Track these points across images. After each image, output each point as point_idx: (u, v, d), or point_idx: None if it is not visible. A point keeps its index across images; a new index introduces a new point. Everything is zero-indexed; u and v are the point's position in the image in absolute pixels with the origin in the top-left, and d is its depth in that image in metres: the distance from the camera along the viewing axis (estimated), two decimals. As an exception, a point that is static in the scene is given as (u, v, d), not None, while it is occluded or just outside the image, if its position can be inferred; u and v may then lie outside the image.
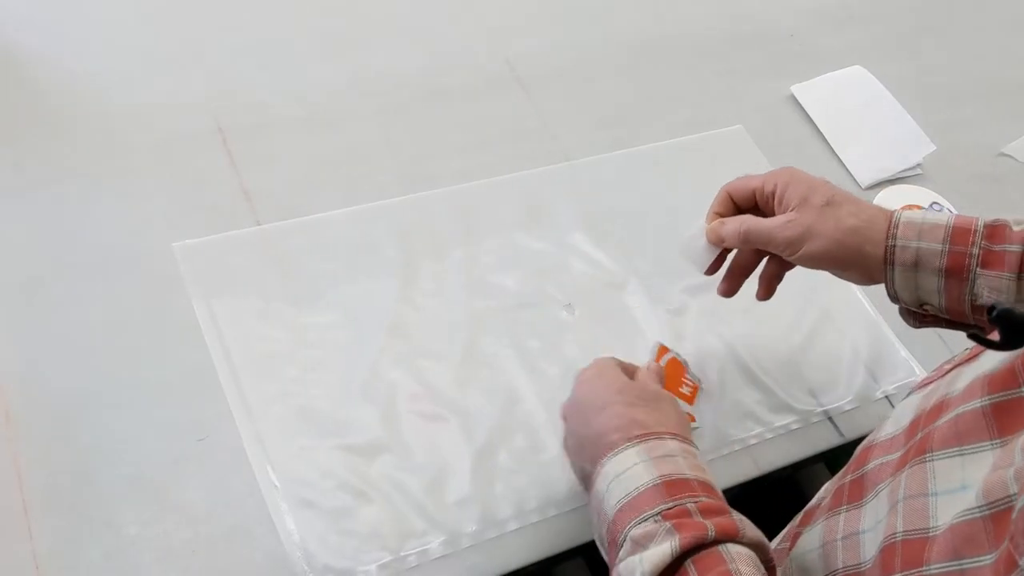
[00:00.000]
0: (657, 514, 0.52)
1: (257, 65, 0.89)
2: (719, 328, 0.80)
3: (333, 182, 0.81)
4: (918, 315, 0.67)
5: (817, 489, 0.70)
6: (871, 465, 0.54)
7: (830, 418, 0.77)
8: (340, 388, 0.69)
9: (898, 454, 0.52)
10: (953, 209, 0.95)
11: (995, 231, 0.62)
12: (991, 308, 0.46)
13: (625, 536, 0.52)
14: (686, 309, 0.80)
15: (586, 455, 0.59)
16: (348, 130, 0.86)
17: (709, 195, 0.88)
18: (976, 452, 0.45)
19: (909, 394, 0.58)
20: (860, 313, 0.84)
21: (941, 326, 0.67)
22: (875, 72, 1.05)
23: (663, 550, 0.50)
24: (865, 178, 0.96)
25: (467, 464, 0.67)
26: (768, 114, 1.00)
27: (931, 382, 0.56)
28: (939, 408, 0.51)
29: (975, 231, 0.62)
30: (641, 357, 0.75)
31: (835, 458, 0.85)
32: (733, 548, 0.51)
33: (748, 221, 0.66)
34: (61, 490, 0.61)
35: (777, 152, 0.96)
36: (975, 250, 0.61)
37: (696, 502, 0.52)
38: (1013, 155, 1.03)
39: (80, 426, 0.64)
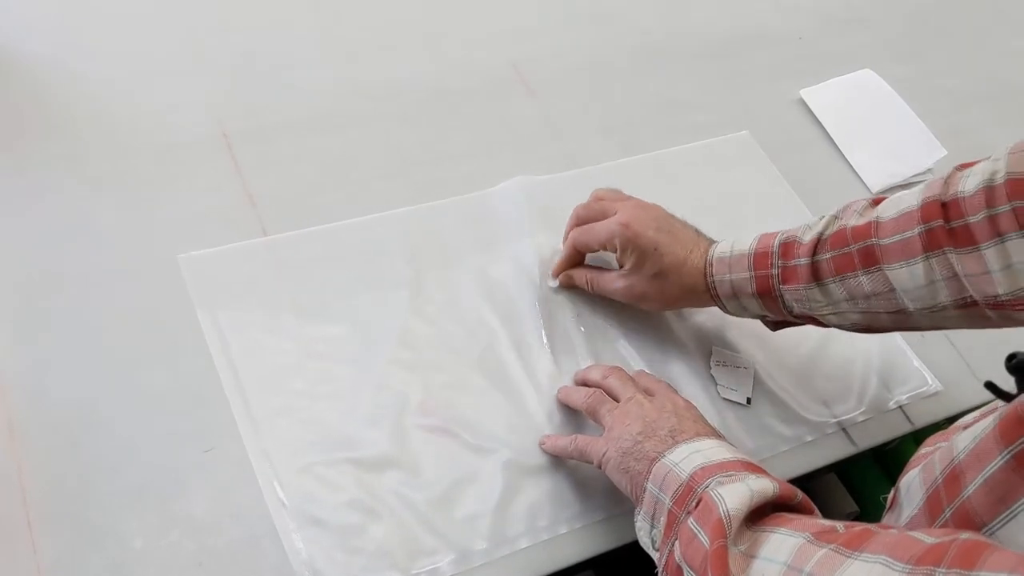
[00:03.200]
0: (746, 474, 0.55)
1: (262, 70, 0.88)
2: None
3: (339, 187, 0.81)
4: (768, 322, 0.74)
5: (829, 498, 0.70)
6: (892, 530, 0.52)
7: (843, 429, 0.76)
8: (348, 401, 0.68)
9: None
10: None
11: (787, 248, 0.68)
12: (1011, 357, 0.48)
13: (708, 484, 0.55)
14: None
15: (643, 449, 0.61)
16: (354, 135, 0.85)
17: (717, 202, 0.88)
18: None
19: (905, 473, 0.60)
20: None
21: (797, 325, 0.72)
22: (884, 75, 1.05)
23: (765, 483, 0.54)
24: (875, 183, 0.96)
25: (477, 479, 0.66)
26: (776, 118, 1.00)
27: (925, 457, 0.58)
28: (955, 477, 0.51)
29: (771, 253, 0.68)
30: (643, 366, 0.75)
31: (846, 468, 0.85)
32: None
33: (592, 277, 0.76)
34: (65, 502, 0.61)
35: (785, 157, 0.95)
36: (774, 271, 0.68)
37: (777, 481, 0.56)
38: None
39: (84, 438, 0.63)
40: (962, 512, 0.50)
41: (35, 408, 0.64)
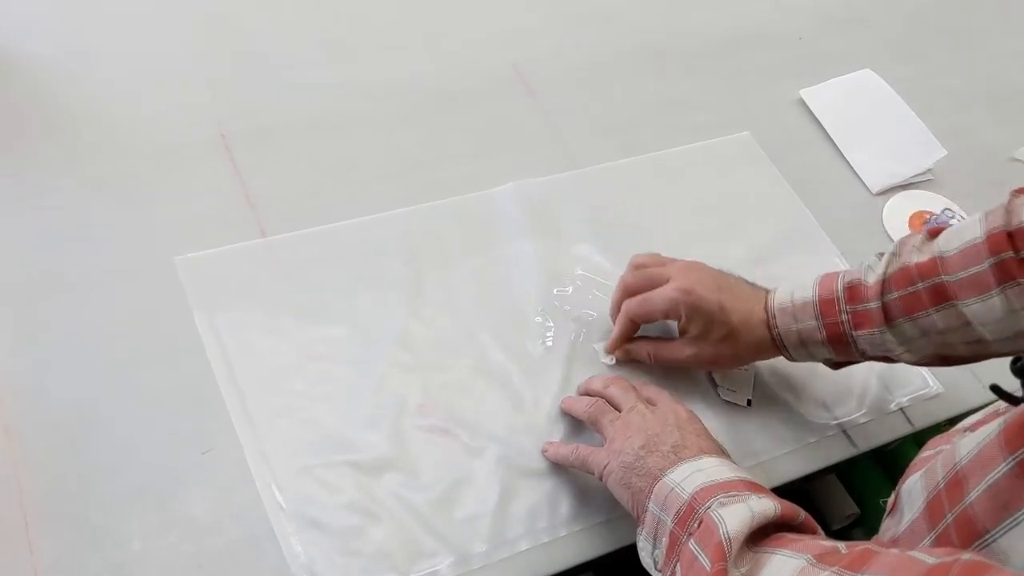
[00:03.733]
0: (748, 494, 0.55)
1: (261, 71, 0.88)
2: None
3: (339, 189, 0.81)
4: (830, 363, 0.72)
5: (829, 499, 0.69)
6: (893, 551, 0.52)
7: (844, 431, 0.76)
8: (346, 403, 0.68)
9: (930, 539, 0.53)
10: (964, 215, 0.94)
11: (853, 292, 0.67)
12: (1016, 360, 0.48)
13: (710, 505, 0.54)
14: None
15: (646, 465, 0.60)
16: (354, 136, 0.85)
17: (717, 203, 0.88)
18: None
19: (906, 478, 0.60)
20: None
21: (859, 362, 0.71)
22: (884, 75, 1.04)
23: (767, 504, 0.54)
24: (875, 183, 0.95)
25: (477, 481, 0.66)
26: (776, 118, 0.99)
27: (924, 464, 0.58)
28: (957, 482, 0.51)
29: (837, 299, 0.67)
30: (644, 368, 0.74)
31: (847, 469, 0.84)
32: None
33: (653, 350, 0.73)
34: (63, 504, 0.60)
35: (785, 157, 0.95)
36: (844, 317, 0.67)
37: (779, 501, 0.55)
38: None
39: (82, 438, 0.63)
40: (964, 518, 0.50)
41: (33, 409, 0.64)
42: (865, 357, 0.69)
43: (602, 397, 0.68)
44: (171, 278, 0.71)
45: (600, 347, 0.75)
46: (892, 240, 0.86)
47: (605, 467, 0.62)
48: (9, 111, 0.79)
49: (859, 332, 0.66)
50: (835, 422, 0.76)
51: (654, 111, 0.96)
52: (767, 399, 0.76)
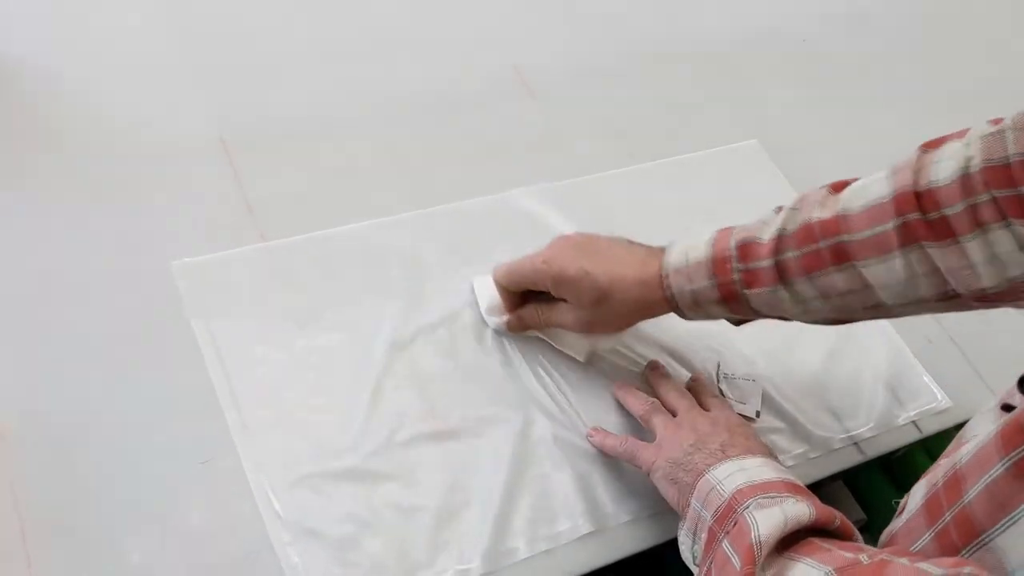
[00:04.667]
0: (786, 496, 0.55)
1: (261, 76, 0.87)
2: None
3: (339, 194, 0.80)
4: (733, 321, 0.70)
5: (836, 506, 0.68)
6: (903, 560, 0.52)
7: (854, 443, 0.76)
8: (344, 411, 0.67)
9: (928, 536, 0.53)
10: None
11: (746, 250, 0.64)
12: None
13: (747, 506, 0.55)
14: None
15: (692, 461, 0.62)
16: (354, 141, 0.84)
17: (726, 212, 0.87)
18: None
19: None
20: (881, 335, 0.82)
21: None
22: (885, 75, 1.04)
23: (801, 509, 0.54)
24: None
25: (475, 491, 0.65)
26: (784, 122, 0.98)
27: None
28: (956, 481, 0.51)
29: (729, 256, 0.64)
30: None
31: (854, 475, 0.83)
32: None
33: (544, 314, 0.71)
34: (60, 515, 0.60)
35: (793, 163, 0.93)
36: (736, 276, 0.64)
37: (816, 505, 0.56)
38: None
39: (78, 449, 0.62)
40: (961, 517, 0.50)
41: (27, 419, 0.63)
42: (759, 315, 0.66)
43: (658, 398, 0.70)
44: (170, 283, 0.71)
45: (489, 317, 0.74)
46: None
47: (653, 463, 0.64)
48: (6, 115, 0.79)
49: (751, 291, 0.63)
50: (844, 435, 0.76)
51: (658, 115, 0.95)
52: (775, 411, 0.75)
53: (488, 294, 0.74)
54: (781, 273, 0.62)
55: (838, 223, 0.60)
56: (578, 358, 0.73)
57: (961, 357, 0.82)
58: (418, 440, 0.67)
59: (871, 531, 0.94)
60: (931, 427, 0.78)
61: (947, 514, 0.52)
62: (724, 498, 0.57)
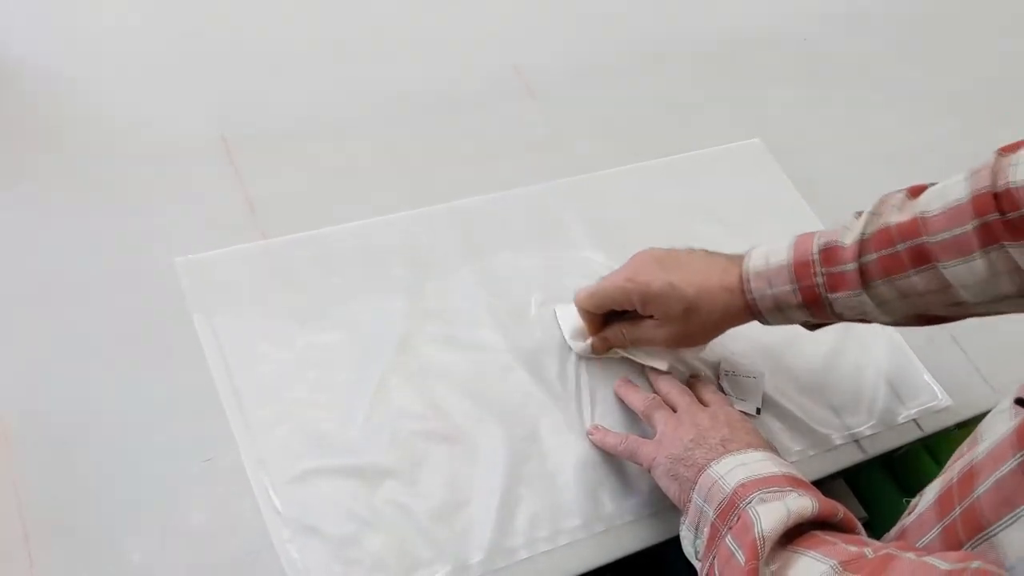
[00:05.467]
0: (788, 491, 0.56)
1: (262, 75, 0.88)
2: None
3: (340, 193, 0.80)
4: (808, 325, 0.71)
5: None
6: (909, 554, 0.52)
7: (855, 441, 0.76)
8: (345, 409, 0.67)
9: (936, 530, 0.53)
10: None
11: (829, 254, 0.65)
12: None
13: (750, 501, 0.55)
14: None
15: (693, 456, 0.62)
16: (355, 140, 0.85)
17: (727, 211, 0.87)
18: None
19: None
20: (882, 333, 0.82)
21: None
22: (886, 75, 1.04)
23: (804, 503, 0.54)
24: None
25: (476, 489, 0.65)
26: (784, 122, 0.98)
27: None
28: (970, 477, 0.51)
29: (812, 261, 0.65)
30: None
31: (855, 474, 0.83)
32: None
33: (631, 333, 0.71)
34: (62, 515, 0.60)
35: (793, 163, 0.93)
36: (819, 279, 0.65)
37: (819, 499, 0.56)
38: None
39: (79, 449, 0.62)
40: (970, 512, 0.51)
41: (30, 418, 0.63)
42: (841, 319, 0.67)
43: (658, 394, 0.70)
44: (171, 282, 0.71)
45: (573, 342, 0.74)
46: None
47: (654, 459, 0.64)
48: (7, 115, 0.79)
49: (835, 295, 0.65)
50: (844, 432, 0.76)
51: (658, 115, 0.95)
52: (776, 408, 0.75)
53: (570, 321, 0.74)
54: (863, 276, 0.64)
55: (916, 226, 0.62)
56: (661, 368, 0.73)
57: (962, 356, 0.82)
58: (419, 438, 0.67)
59: (872, 529, 0.94)
60: (932, 425, 0.78)
61: (957, 508, 0.52)
62: (726, 493, 0.57)
